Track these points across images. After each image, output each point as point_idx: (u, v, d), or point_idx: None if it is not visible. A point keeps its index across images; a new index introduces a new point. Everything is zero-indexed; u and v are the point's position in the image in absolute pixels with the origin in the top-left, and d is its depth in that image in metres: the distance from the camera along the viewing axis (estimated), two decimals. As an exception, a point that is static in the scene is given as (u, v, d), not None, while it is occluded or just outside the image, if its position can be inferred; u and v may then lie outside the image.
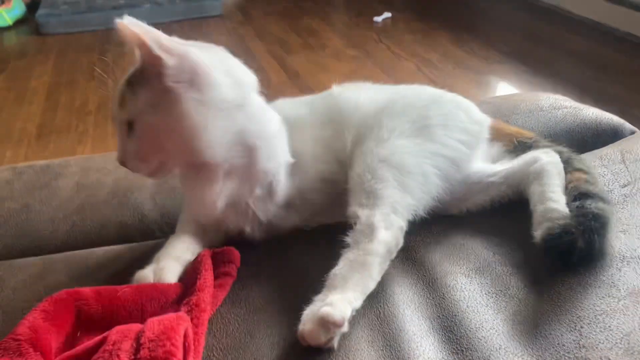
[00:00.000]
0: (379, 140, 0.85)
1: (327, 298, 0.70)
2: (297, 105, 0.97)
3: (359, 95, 0.96)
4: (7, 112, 2.83)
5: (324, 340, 0.66)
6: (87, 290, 0.70)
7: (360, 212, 0.79)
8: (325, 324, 0.66)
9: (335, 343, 0.67)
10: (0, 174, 1.10)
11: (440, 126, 0.89)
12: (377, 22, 3.81)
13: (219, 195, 0.81)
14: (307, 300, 0.75)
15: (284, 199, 0.87)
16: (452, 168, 0.87)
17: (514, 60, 3.14)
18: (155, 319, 0.60)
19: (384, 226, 0.77)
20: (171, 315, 0.60)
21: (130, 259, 0.86)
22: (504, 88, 2.93)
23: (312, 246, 0.86)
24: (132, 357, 0.54)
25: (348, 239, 0.77)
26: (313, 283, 0.77)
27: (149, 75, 0.77)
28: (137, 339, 0.57)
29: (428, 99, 0.95)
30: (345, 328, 0.68)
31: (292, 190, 0.87)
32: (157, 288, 0.72)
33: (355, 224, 0.78)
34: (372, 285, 0.73)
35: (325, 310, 0.66)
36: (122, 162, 0.81)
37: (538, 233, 0.76)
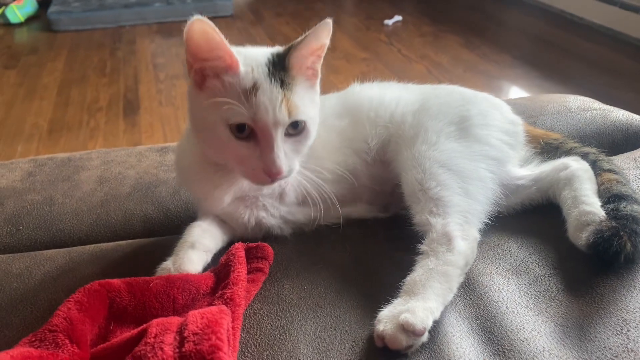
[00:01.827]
0: (429, 144, 0.85)
1: (407, 303, 0.68)
2: None
3: (384, 92, 0.96)
4: (18, 108, 2.82)
5: (404, 346, 0.65)
6: (118, 281, 0.68)
7: (433, 221, 0.78)
8: (406, 331, 0.64)
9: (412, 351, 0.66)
10: (21, 166, 1.09)
11: (481, 126, 0.88)
12: (387, 25, 3.80)
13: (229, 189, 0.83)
14: (340, 297, 0.74)
15: (296, 196, 0.86)
16: (501, 170, 0.86)
17: (525, 64, 3.13)
18: (197, 312, 0.58)
19: (460, 236, 0.76)
20: (213, 309, 0.59)
21: (157, 251, 0.84)
22: (516, 92, 2.92)
23: (341, 244, 0.84)
24: (177, 350, 0.53)
25: (423, 247, 0.76)
26: (345, 279, 0.76)
27: (296, 69, 0.76)
28: (180, 332, 0.55)
29: (462, 99, 0.94)
30: (424, 338, 0.66)
31: (305, 185, 0.86)
32: (189, 279, 0.70)
33: (429, 232, 0.77)
34: (450, 298, 0.72)
35: (407, 317, 0.65)
36: (280, 172, 0.74)
37: (583, 236, 0.74)
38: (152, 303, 0.67)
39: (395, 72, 3.08)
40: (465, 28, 3.68)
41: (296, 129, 0.75)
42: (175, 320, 0.58)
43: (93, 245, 0.88)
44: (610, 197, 0.81)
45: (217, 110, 0.72)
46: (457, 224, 0.77)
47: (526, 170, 0.90)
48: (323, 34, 0.75)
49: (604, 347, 0.63)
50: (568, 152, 0.93)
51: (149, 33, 3.79)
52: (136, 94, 2.92)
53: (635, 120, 1.10)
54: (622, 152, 1.01)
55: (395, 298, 0.70)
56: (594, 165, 0.89)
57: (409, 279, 0.72)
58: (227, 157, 0.77)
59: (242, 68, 0.73)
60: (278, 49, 0.79)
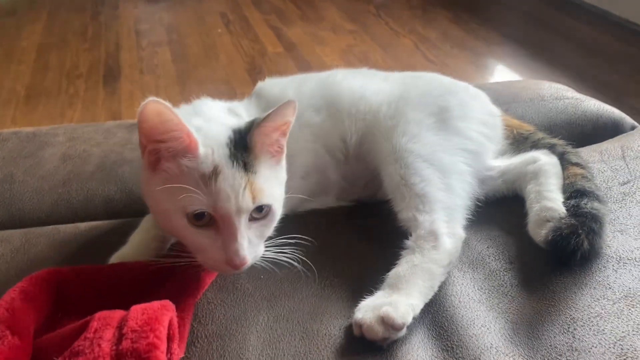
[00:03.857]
0: (410, 136, 0.83)
1: (390, 297, 0.68)
2: (284, 85, 0.93)
3: (366, 84, 0.93)
4: (-6, 72, 2.76)
5: (380, 337, 0.65)
6: (67, 269, 0.68)
7: (420, 218, 0.77)
8: (385, 323, 0.65)
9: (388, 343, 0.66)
10: (-17, 141, 1.07)
11: (461, 118, 0.88)
12: (377, -3, 3.74)
13: None
14: (295, 287, 0.74)
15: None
16: (477, 163, 0.86)
17: (513, 43, 3.10)
18: (139, 307, 0.57)
19: (447, 233, 0.76)
20: (155, 305, 0.58)
21: (114, 235, 0.83)
22: (502, 71, 2.90)
23: (302, 231, 0.83)
24: (114, 347, 0.53)
25: (409, 242, 0.76)
26: (302, 269, 0.76)
27: (259, 147, 0.70)
28: (120, 327, 0.55)
29: (442, 88, 0.94)
30: (402, 333, 0.66)
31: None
32: (140, 269, 0.70)
33: (415, 228, 0.77)
34: (431, 296, 0.72)
35: (388, 311, 0.65)
36: (245, 263, 0.67)
37: (542, 232, 0.75)
38: (103, 292, 0.66)
39: (383, 47, 3.03)
40: (455, 2, 3.62)
41: (261, 212, 0.69)
42: (118, 315, 0.57)
43: (51, 226, 0.87)
44: (573, 193, 0.81)
45: (172, 196, 0.65)
46: (443, 221, 0.77)
47: (497, 162, 0.90)
48: (288, 111, 0.69)
49: (550, 346, 0.64)
50: (536, 143, 0.93)
51: (133, -3, 3.70)
52: (117, 61, 2.87)
53: (606, 111, 1.09)
54: (590, 143, 1.01)
55: (352, 289, 0.71)
56: (562, 157, 0.89)
57: (393, 272, 0.72)
58: (184, 243, 0.71)
59: (201, 149, 0.67)
60: (240, 123, 0.73)
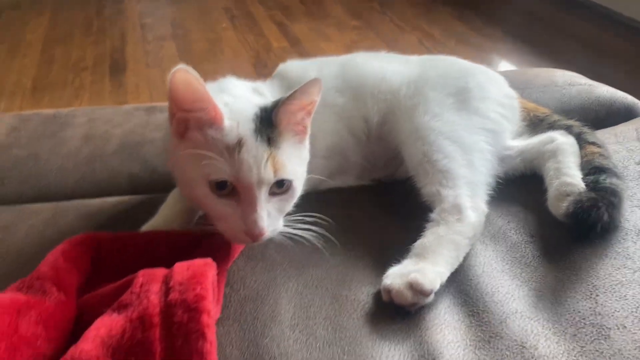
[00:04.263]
0: (432, 115, 0.85)
1: (417, 265, 0.71)
2: (305, 67, 0.94)
3: (387, 66, 0.95)
4: (0, 64, 2.76)
5: (409, 302, 0.67)
6: (104, 234, 0.69)
7: (444, 192, 0.79)
8: (414, 289, 0.67)
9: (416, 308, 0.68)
10: (6, 120, 1.08)
11: (480, 99, 0.90)
12: (381, -7, 3.76)
13: None
14: (322, 257, 0.75)
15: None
16: (497, 143, 0.87)
17: (517, 40, 3.12)
18: (183, 263, 0.59)
19: (470, 207, 0.78)
20: (199, 261, 0.60)
21: (142, 209, 0.85)
22: (506, 67, 2.92)
23: (324, 207, 0.85)
24: (162, 299, 0.54)
25: (433, 215, 0.78)
26: (327, 242, 0.77)
27: (284, 124, 0.72)
28: (165, 282, 0.56)
29: (461, 70, 0.96)
30: (429, 299, 0.68)
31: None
32: (175, 235, 0.71)
33: (439, 202, 0.79)
34: (456, 266, 0.74)
35: (416, 277, 0.67)
36: (263, 234, 0.68)
37: (563, 205, 0.77)
38: (138, 257, 0.68)
39: (387, 42, 3.05)
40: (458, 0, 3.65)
41: (281, 187, 0.71)
42: (161, 272, 0.59)
43: (79, 200, 0.89)
44: (591, 170, 0.83)
45: (197, 164, 0.68)
46: (467, 195, 0.79)
47: (515, 142, 0.92)
48: (313, 90, 0.71)
49: (574, 310, 0.66)
50: (552, 125, 0.95)
51: (137, -8, 3.72)
52: (123, 55, 2.88)
53: (619, 96, 1.11)
54: (604, 127, 1.02)
55: (375, 259, 0.73)
56: (579, 137, 0.91)
57: (418, 243, 0.74)
58: (206, 212, 0.73)
59: (226, 122, 0.69)
60: (266, 101, 0.75)
